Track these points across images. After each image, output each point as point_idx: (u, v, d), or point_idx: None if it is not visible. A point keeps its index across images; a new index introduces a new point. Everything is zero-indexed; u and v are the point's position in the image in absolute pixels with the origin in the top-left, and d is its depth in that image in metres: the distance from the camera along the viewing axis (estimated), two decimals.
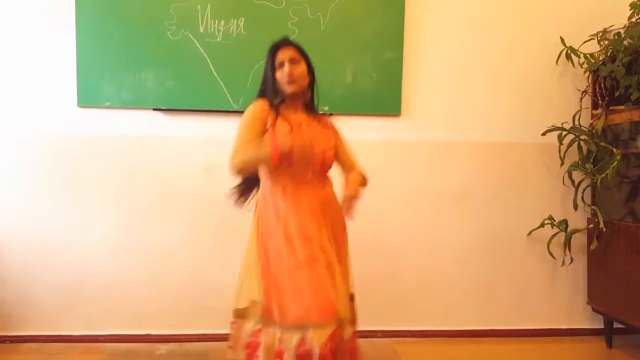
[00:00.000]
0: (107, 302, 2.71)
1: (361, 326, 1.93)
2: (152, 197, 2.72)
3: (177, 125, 2.73)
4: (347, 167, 1.93)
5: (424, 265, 2.84)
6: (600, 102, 2.64)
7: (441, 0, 2.80)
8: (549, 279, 2.89)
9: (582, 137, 2.64)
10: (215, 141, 2.72)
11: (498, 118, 2.85)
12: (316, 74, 1.91)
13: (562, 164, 2.72)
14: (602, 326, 2.76)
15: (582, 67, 2.76)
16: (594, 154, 2.60)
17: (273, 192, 1.79)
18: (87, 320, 2.70)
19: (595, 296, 2.76)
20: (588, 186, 2.73)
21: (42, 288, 2.68)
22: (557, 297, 2.90)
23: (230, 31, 2.69)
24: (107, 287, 2.71)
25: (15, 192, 2.67)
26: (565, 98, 2.84)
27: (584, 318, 2.90)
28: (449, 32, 2.81)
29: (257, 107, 1.80)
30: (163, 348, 2.65)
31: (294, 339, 1.57)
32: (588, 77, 2.76)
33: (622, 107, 2.51)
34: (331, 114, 2.62)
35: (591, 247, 2.65)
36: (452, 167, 2.84)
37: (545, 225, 2.76)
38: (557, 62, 2.80)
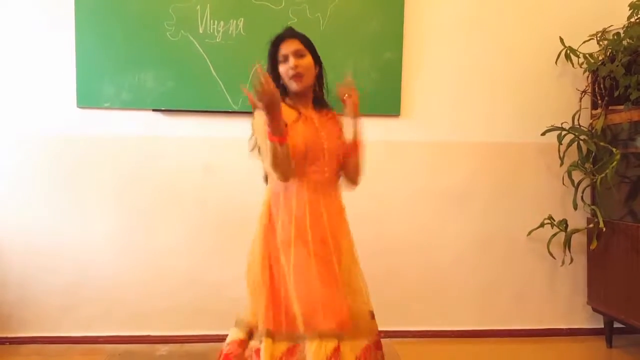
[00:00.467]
0: (107, 303, 2.70)
1: None
2: (152, 198, 2.72)
3: (177, 125, 2.72)
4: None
5: (424, 265, 2.83)
6: (599, 102, 2.65)
7: (441, 0, 2.80)
8: (548, 279, 2.89)
9: (582, 137, 2.64)
10: (215, 142, 2.72)
11: (497, 118, 2.85)
12: None
13: (562, 163, 2.72)
14: (602, 326, 2.76)
15: (581, 67, 2.76)
16: (593, 153, 2.61)
17: (286, 195, 1.66)
18: (87, 321, 2.70)
19: (595, 296, 2.76)
20: (588, 186, 2.73)
21: (42, 289, 2.68)
22: (557, 297, 2.90)
23: (230, 32, 2.69)
24: (107, 288, 2.70)
25: (14, 193, 2.67)
26: (564, 98, 2.84)
27: (583, 318, 2.90)
28: (449, 33, 2.81)
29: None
30: (163, 349, 2.65)
31: (326, 347, 1.51)
32: (587, 77, 2.76)
33: (622, 107, 2.51)
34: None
35: (591, 247, 2.65)
36: (451, 167, 2.84)
37: (545, 225, 2.76)
38: (556, 62, 2.80)
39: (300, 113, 1.68)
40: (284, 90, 1.69)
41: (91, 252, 2.70)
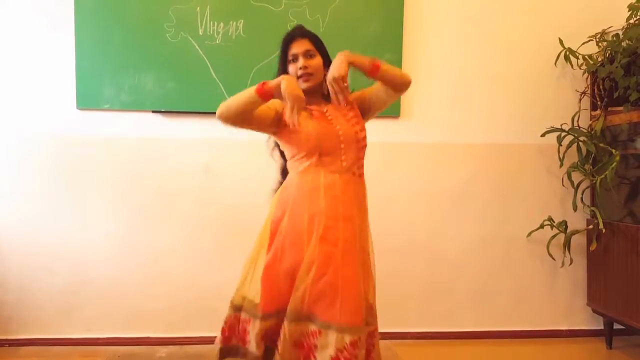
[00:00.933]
0: (106, 305, 2.70)
1: None
2: (152, 199, 2.72)
3: (177, 127, 2.73)
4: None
5: (424, 266, 2.83)
6: (599, 103, 2.65)
7: (440, 2, 2.81)
8: (548, 280, 2.89)
9: (581, 138, 2.65)
10: (215, 143, 2.72)
11: (497, 119, 2.86)
12: None
13: (562, 165, 2.72)
14: (602, 327, 2.76)
15: (580, 69, 2.76)
16: (593, 155, 2.61)
17: (300, 184, 1.66)
18: (86, 322, 2.70)
19: (595, 297, 2.76)
20: (587, 187, 2.73)
21: (42, 291, 2.68)
22: (556, 298, 2.90)
23: (230, 33, 2.69)
24: (106, 290, 2.70)
25: (15, 195, 2.67)
26: (564, 99, 2.85)
27: (583, 319, 2.90)
28: (448, 34, 2.82)
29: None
30: (163, 350, 2.64)
31: (345, 339, 1.51)
32: (587, 78, 2.77)
33: (621, 108, 2.51)
34: None
35: (591, 248, 2.65)
36: (451, 168, 2.84)
37: (545, 227, 2.76)
38: (555, 63, 2.81)
39: (309, 110, 1.69)
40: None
41: (91, 254, 2.70)
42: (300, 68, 1.68)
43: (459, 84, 2.83)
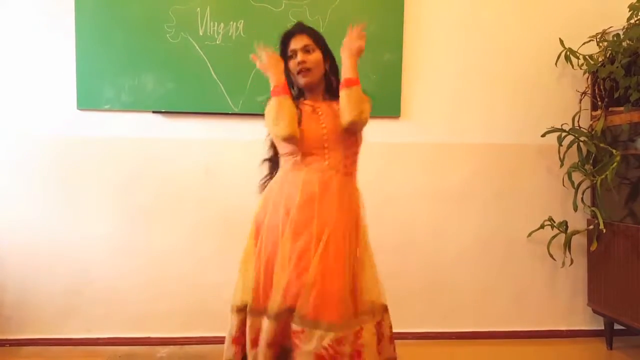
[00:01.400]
0: (107, 305, 2.70)
1: None
2: (152, 200, 2.72)
3: (177, 127, 2.73)
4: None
5: (424, 267, 2.83)
6: (599, 103, 2.65)
7: (440, 2, 2.80)
8: (549, 281, 2.89)
9: (582, 138, 2.64)
10: (215, 143, 2.72)
11: (497, 119, 2.85)
12: None
13: (562, 165, 2.72)
14: (602, 327, 2.76)
15: (581, 69, 2.76)
16: (593, 155, 2.60)
17: (281, 182, 1.70)
18: (87, 323, 2.70)
19: (595, 297, 2.76)
20: (588, 187, 2.73)
21: (42, 291, 2.68)
22: (557, 298, 2.90)
23: (230, 34, 2.69)
24: (107, 290, 2.70)
25: (14, 195, 2.67)
26: (564, 99, 2.84)
27: (584, 319, 2.90)
28: (448, 34, 2.81)
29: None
30: (163, 351, 2.65)
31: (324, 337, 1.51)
32: (587, 78, 2.76)
33: (622, 108, 2.51)
34: None
35: (591, 249, 2.65)
36: (451, 168, 2.84)
37: (545, 227, 2.76)
38: (556, 63, 2.80)
39: (299, 107, 1.69)
40: (298, 91, 1.77)
41: (91, 255, 2.70)
42: (299, 63, 1.69)
43: (459, 84, 2.83)
